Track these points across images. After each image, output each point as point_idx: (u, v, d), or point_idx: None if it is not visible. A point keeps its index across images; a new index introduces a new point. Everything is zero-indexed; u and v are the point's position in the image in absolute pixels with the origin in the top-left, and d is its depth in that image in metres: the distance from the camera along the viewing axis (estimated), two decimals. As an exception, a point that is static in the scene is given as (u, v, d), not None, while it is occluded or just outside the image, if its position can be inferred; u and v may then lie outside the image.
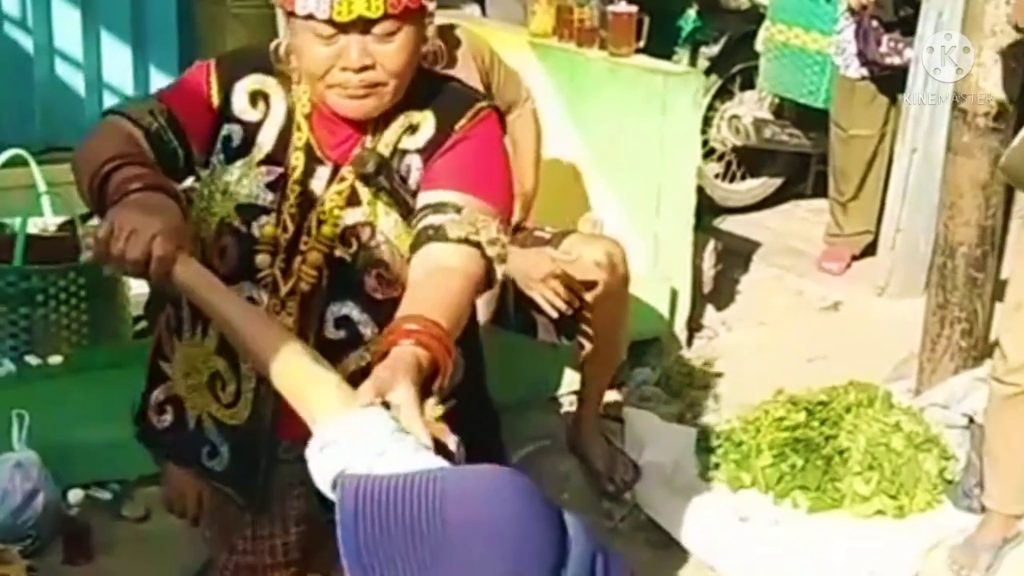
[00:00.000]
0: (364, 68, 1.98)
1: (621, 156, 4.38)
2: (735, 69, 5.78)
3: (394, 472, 1.48)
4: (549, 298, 3.54)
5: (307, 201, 2.10)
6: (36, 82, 4.93)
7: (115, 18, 5.01)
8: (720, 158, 5.88)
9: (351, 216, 2.09)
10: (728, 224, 5.76)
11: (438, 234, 1.95)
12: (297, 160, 2.11)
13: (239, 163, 2.13)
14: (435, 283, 1.88)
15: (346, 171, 2.10)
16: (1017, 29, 3.46)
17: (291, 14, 1.99)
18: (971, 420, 3.77)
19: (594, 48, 4.53)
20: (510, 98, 3.84)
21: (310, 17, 1.95)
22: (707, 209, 5.56)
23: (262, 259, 2.11)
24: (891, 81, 5.08)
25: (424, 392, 1.67)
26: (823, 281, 5.30)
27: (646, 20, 4.50)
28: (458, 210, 1.98)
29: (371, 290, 2.11)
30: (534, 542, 1.34)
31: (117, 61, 5.03)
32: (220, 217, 2.12)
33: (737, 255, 5.43)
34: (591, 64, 4.45)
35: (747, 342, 4.81)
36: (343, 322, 2.12)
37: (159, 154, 2.05)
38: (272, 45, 2.17)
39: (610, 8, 4.53)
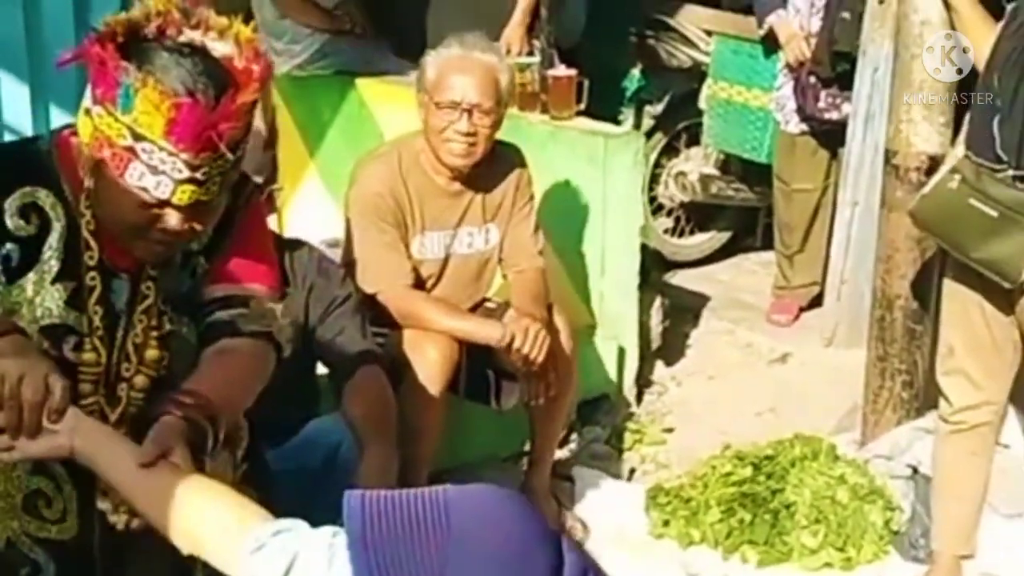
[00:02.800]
0: (183, 230, 1.96)
1: (564, 217, 4.43)
2: (680, 126, 5.85)
3: (347, 570, 1.54)
4: (530, 336, 3.51)
5: (113, 319, 2.06)
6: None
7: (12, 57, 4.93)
8: (669, 213, 5.94)
9: (163, 331, 2.08)
10: (678, 278, 5.80)
11: (230, 328, 2.07)
12: (93, 280, 2.04)
13: (28, 283, 2.02)
14: (219, 362, 2.04)
15: (145, 288, 2.07)
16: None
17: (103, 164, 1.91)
18: (915, 471, 3.82)
19: (536, 112, 4.58)
20: (514, 259, 3.82)
21: (142, 188, 1.89)
22: (657, 264, 5.62)
23: (86, 388, 2.05)
24: (831, 135, 5.15)
25: (197, 450, 1.91)
26: (772, 333, 5.35)
27: (586, 83, 4.56)
28: (245, 303, 2.08)
29: None
30: (533, 555, 1.40)
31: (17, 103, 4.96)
32: None
33: (687, 310, 5.47)
34: (533, 128, 4.50)
35: (697, 396, 4.85)
36: None
37: None
38: (44, 146, 2.07)
39: (550, 72, 4.58)
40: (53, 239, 2.03)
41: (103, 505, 2.05)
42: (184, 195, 1.89)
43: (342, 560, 1.60)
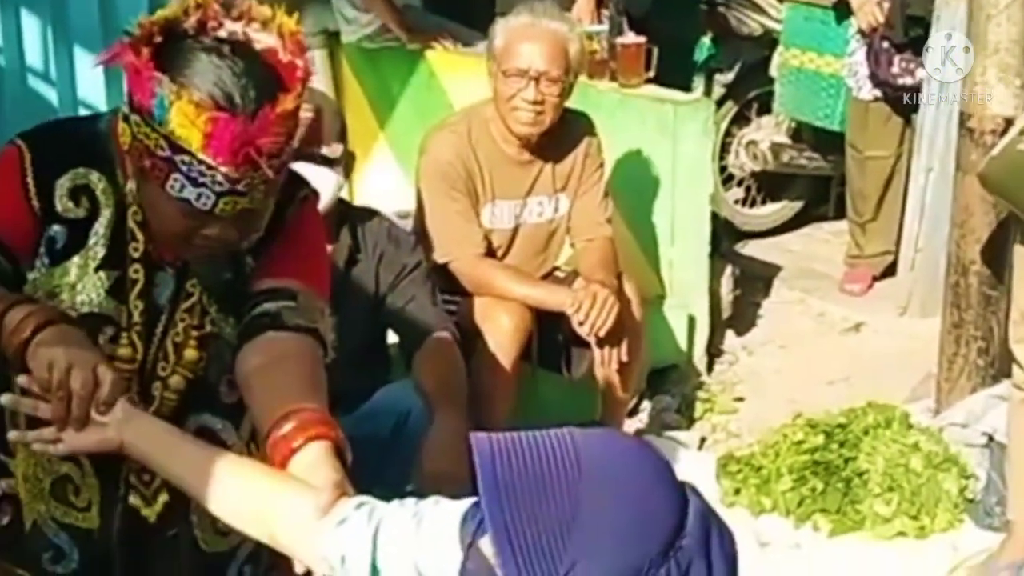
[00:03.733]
0: (230, 237, 1.92)
1: (633, 185, 4.41)
2: (751, 95, 5.81)
3: (435, 531, 1.58)
4: (599, 302, 3.50)
5: (154, 315, 2.00)
6: (6, 100, 4.88)
7: (86, 30, 4.93)
8: (740, 183, 5.90)
9: (203, 331, 2.03)
10: (750, 248, 5.77)
11: (275, 321, 1.96)
12: (136, 273, 1.98)
13: (72, 266, 1.97)
14: (297, 370, 1.91)
15: (190, 285, 2.01)
16: None
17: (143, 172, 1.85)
18: (990, 438, 3.77)
19: (604, 80, 4.57)
20: (582, 227, 3.81)
21: (183, 200, 1.83)
22: (728, 234, 5.60)
23: None
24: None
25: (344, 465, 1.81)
26: (845, 303, 5.30)
27: (655, 51, 4.54)
28: (293, 296, 1.98)
29: (224, 396, 2.07)
30: (662, 496, 1.40)
31: (89, 76, 5.00)
32: None
33: (759, 279, 5.44)
34: (602, 96, 4.48)
35: (768, 366, 4.82)
36: (203, 433, 2.03)
37: None
38: (103, 127, 1.98)
39: (619, 40, 4.56)
40: (101, 224, 1.97)
41: (134, 500, 2.05)
42: (227, 207, 1.83)
43: (429, 522, 1.62)
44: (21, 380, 1.82)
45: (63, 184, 1.95)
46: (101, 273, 1.97)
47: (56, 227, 1.95)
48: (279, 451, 1.79)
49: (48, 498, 2.08)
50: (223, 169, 1.78)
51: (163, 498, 2.05)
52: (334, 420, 1.84)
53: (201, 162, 1.78)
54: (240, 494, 1.78)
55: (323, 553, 1.68)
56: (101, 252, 1.97)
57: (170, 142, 1.78)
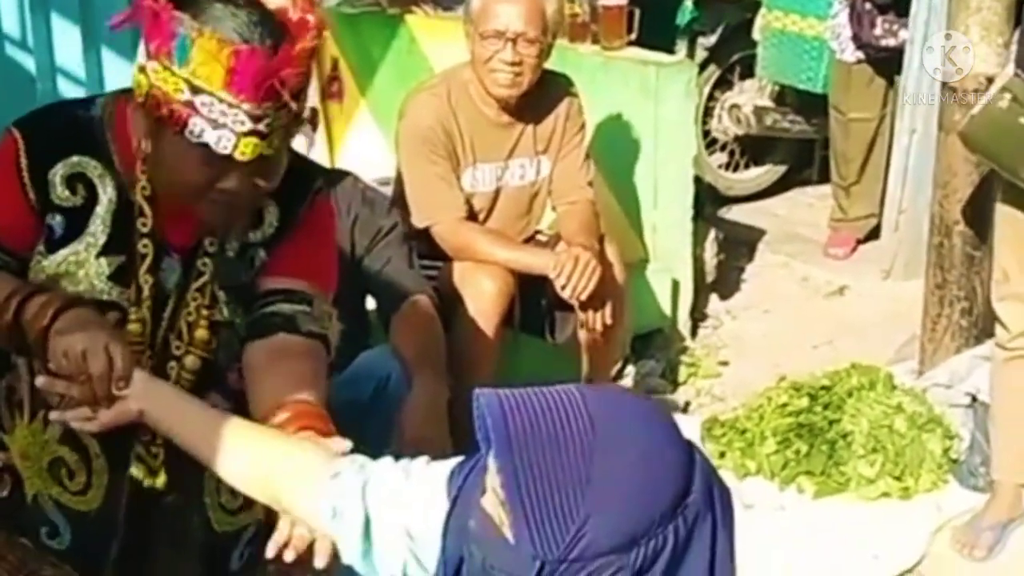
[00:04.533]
0: (245, 190, 1.91)
1: (616, 148, 4.39)
2: (734, 58, 5.77)
3: (424, 482, 1.63)
4: (581, 264, 3.48)
5: (161, 294, 2.01)
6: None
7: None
8: (723, 148, 5.88)
9: (214, 316, 2.04)
10: (734, 213, 5.76)
11: (288, 324, 2.00)
12: (145, 248, 1.99)
13: (69, 254, 1.99)
14: (297, 367, 1.96)
15: (201, 264, 2.02)
16: None
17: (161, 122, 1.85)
18: (974, 399, 3.76)
19: (586, 43, 4.54)
20: (564, 190, 3.78)
21: (203, 144, 1.83)
22: (712, 199, 5.58)
23: None
24: (888, 63, 5.07)
25: None
26: (829, 266, 5.30)
27: (637, 13, 4.51)
28: (309, 301, 2.02)
29: (233, 383, 2.08)
30: (671, 453, 1.39)
31: (67, 43, 4.95)
32: None
33: (743, 244, 5.43)
34: (584, 59, 4.45)
35: (752, 330, 4.81)
36: None
37: None
38: (97, 112, 2.01)
39: (601, 2, 4.52)
40: (101, 210, 1.98)
41: (136, 471, 2.08)
42: (247, 148, 1.82)
43: (418, 475, 1.66)
44: (40, 380, 1.87)
45: (58, 173, 1.96)
46: (103, 259, 1.98)
47: (54, 216, 1.97)
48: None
49: (46, 476, 2.12)
50: (245, 106, 1.80)
51: (163, 478, 2.08)
52: (327, 415, 1.89)
53: (223, 100, 1.80)
54: (250, 457, 1.81)
55: (319, 507, 1.69)
56: (103, 238, 1.98)
57: (190, 84, 1.80)
